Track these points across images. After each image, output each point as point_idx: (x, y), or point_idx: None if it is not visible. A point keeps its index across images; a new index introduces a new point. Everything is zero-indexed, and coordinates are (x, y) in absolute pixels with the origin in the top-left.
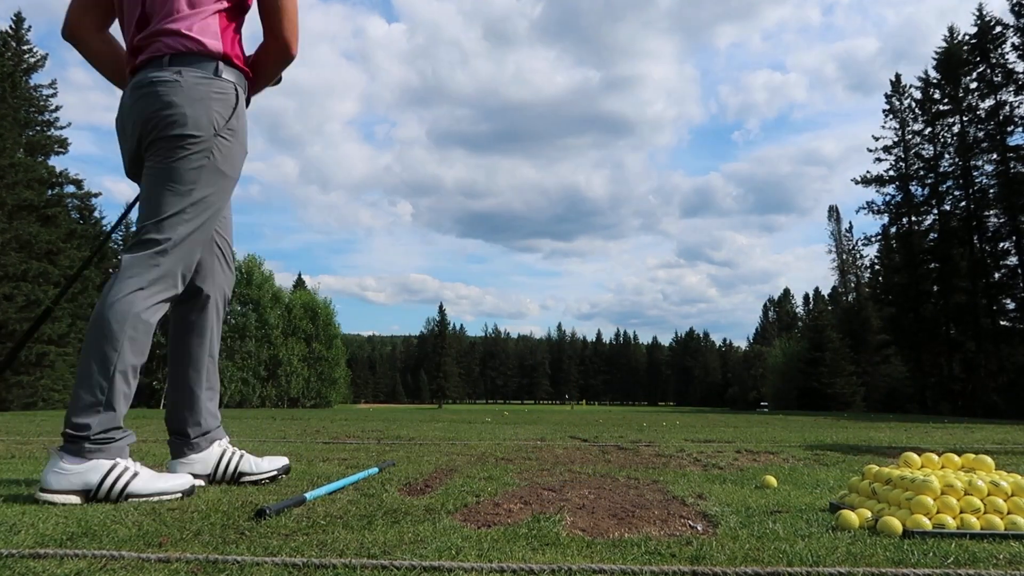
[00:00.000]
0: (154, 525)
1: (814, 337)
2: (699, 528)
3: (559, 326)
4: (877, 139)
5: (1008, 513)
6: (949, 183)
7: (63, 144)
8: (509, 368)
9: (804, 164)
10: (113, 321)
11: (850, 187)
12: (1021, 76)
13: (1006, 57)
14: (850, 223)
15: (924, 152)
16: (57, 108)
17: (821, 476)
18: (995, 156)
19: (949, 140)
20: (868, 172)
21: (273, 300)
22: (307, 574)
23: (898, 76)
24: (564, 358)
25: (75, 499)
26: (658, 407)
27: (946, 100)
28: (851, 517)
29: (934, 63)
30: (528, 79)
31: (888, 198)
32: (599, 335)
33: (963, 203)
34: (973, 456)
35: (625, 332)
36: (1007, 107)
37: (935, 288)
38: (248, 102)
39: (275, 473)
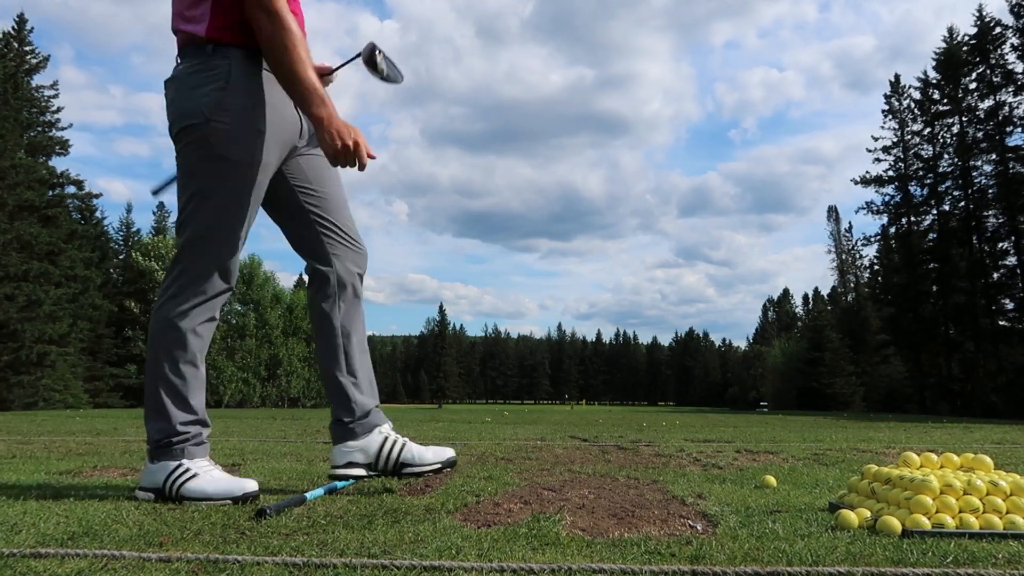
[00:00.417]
0: (155, 525)
1: (813, 337)
2: (699, 528)
3: (559, 326)
4: (876, 139)
5: (1007, 513)
6: (948, 183)
7: (64, 145)
8: (509, 368)
9: (802, 163)
10: (152, 333)
11: (849, 186)
12: (1020, 77)
13: (1006, 58)
14: (849, 223)
15: (923, 152)
16: (59, 109)
17: (821, 476)
18: (994, 156)
19: (948, 140)
20: (867, 172)
21: (274, 300)
22: (307, 574)
23: (897, 76)
24: (564, 358)
25: (150, 496)
26: (658, 407)
27: (945, 100)
28: (850, 516)
29: (933, 63)
30: (522, 77)
31: (887, 198)
32: (599, 335)
33: (962, 203)
34: (972, 456)
35: (625, 332)
36: (1006, 107)
37: (934, 288)
38: (292, 75)
39: (439, 466)
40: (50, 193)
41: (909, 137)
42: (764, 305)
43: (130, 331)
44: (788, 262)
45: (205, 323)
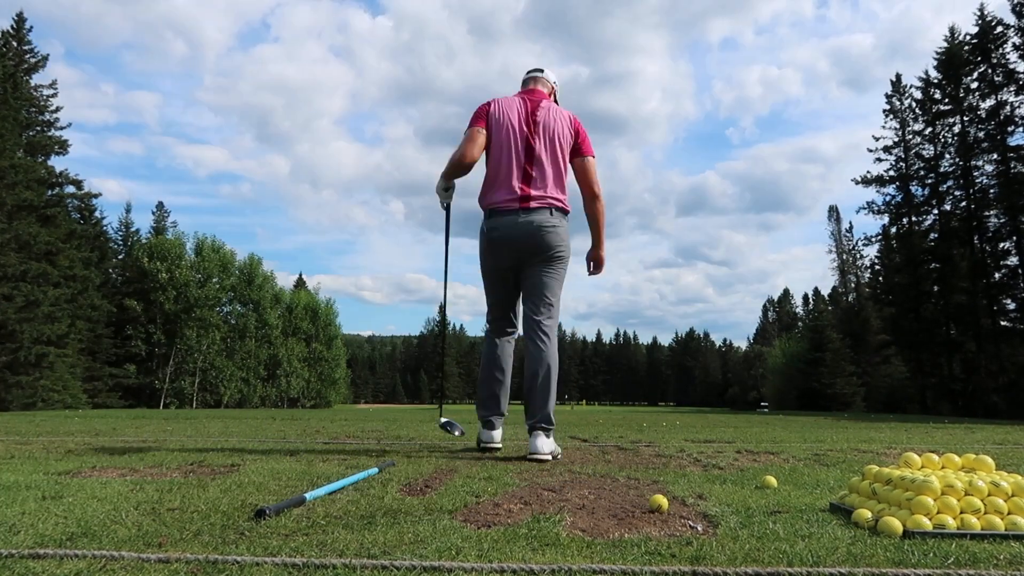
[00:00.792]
0: (154, 525)
1: (814, 337)
2: (699, 528)
3: (559, 326)
4: (877, 139)
5: (1008, 513)
6: (949, 183)
7: (63, 145)
8: None
9: (800, 162)
10: (556, 361)
11: (849, 186)
12: (1022, 76)
13: (1007, 57)
14: (850, 223)
15: (924, 152)
16: (57, 109)
17: (821, 476)
18: (996, 156)
19: (949, 140)
20: (868, 172)
21: (273, 300)
22: (307, 574)
23: (898, 76)
24: (564, 358)
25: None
26: (658, 407)
27: (947, 100)
28: (867, 514)
29: (935, 63)
30: (515, 75)
31: (888, 198)
32: (599, 335)
33: (963, 203)
34: (973, 456)
35: (625, 332)
36: (1008, 107)
37: (935, 288)
38: (535, 235)
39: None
40: (49, 193)
41: (910, 137)
42: (764, 305)
43: (130, 329)
44: (788, 262)
45: (491, 349)
